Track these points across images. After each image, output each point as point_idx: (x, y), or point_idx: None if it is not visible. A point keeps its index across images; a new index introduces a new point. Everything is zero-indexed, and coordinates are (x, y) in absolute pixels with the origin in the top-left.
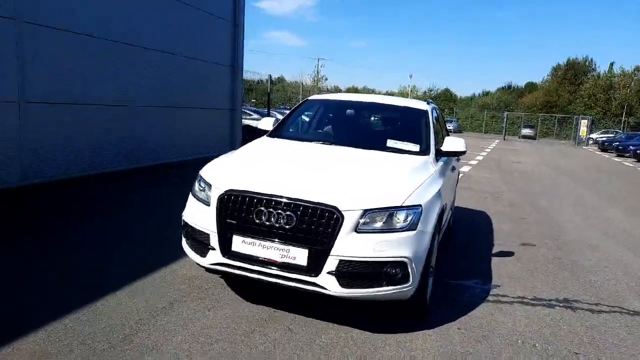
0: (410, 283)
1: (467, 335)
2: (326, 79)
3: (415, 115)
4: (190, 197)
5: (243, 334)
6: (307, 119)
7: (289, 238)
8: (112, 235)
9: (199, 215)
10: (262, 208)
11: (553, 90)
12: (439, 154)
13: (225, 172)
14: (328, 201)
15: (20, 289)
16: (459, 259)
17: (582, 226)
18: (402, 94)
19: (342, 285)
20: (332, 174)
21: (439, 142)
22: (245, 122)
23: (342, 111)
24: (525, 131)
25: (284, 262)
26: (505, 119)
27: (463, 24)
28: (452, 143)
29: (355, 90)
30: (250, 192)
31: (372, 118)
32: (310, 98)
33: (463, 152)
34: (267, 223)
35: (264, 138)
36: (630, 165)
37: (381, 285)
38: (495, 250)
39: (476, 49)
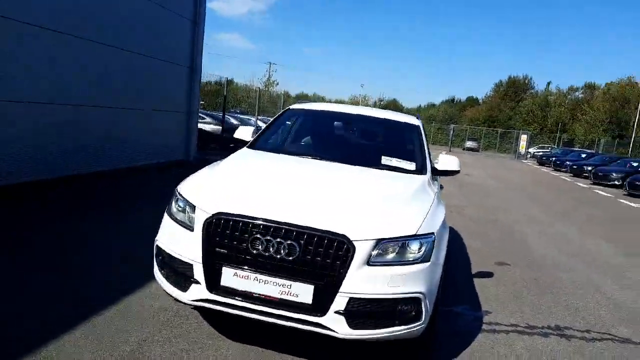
0: (422, 321)
1: None
2: (277, 84)
3: (407, 130)
4: (166, 218)
5: None
6: (287, 129)
7: (290, 272)
8: (54, 260)
9: (179, 241)
10: (259, 236)
11: (495, 106)
12: (434, 173)
13: (210, 192)
14: (337, 229)
15: None
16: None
17: (543, 243)
18: (354, 103)
19: (351, 326)
20: (333, 197)
21: (431, 160)
22: (199, 126)
23: (328, 122)
24: (469, 143)
25: (284, 300)
26: (451, 132)
27: (412, 36)
28: (447, 161)
29: (305, 96)
30: (245, 216)
31: (360, 132)
32: (292, 107)
33: (458, 171)
34: (266, 254)
35: (246, 150)
36: (568, 179)
37: (393, 325)
38: (474, 270)
39: (423, 62)
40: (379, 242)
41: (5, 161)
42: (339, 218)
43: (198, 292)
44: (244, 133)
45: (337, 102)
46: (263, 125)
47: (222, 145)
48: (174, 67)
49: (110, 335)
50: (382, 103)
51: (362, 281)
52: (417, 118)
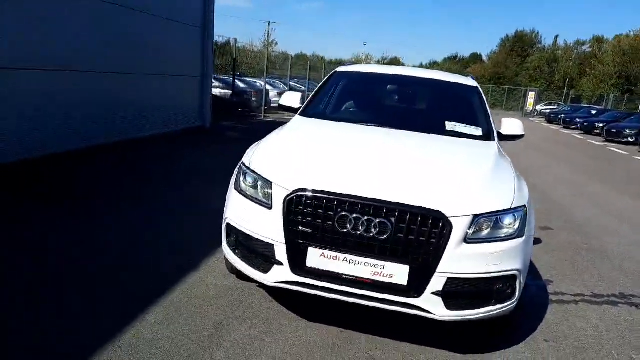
0: (516, 298)
1: (559, 349)
2: (277, 44)
3: (466, 92)
4: (234, 193)
5: None
6: (338, 95)
7: (383, 251)
8: (102, 242)
9: (256, 219)
10: (346, 213)
11: (501, 62)
12: (500, 139)
13: (285, 166)
14: (432, 205)
15: None
16: None
17: (579, 204)
18: (358, 61)
19: (448, 307)
20: (415, 169)
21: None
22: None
23: (380, 86)
24: None
25: (377, 281)
26: None
27: None
28: (511, 125)
29: (304, 56)
30: (330, 192)
31: (416, 95)
32: (338, 70)
33: (522, 136)
34: (355, 233)
35: (301, 119)
36: (580, 137)
37: (490, 304)
38: None
39: (424, 17)
40: (476, 218)
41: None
42: (430, 193)
43: (281, 273)
44: (292, 99)
45: (337, 61)
46: (270, 88)
47: (231, 111)
48: (187, 28)
49: (185, 319)
50: (384, 62)
51: (459, 260)
52: (472, 79)
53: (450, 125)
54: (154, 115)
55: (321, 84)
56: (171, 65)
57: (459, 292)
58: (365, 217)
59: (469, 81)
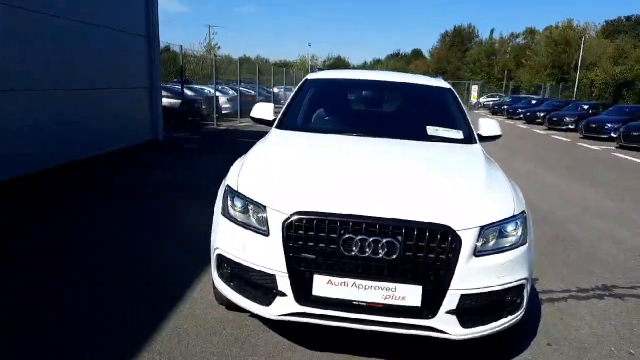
0: (524, 306)
1: (562, 352)
2: (219, 48)
3: (441, 94)
4: (223, 220)
5: None
6: (312, 103)
7: (393, 273)
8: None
9: (251, 248)
10: (351, 235)
11: (443, 57)
12: (480, 140)
13: (278, 187)
14: (438, 220)
15: None
16: None
17: (539, 194)
18: (303, 63)
19: (464, 324)
20: (412, 182)
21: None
22: None
23: (356, 93)
24: None
25: (389, 305)
26: None
27: None
28: (489, 126)
29: (247, 59)
30: (332, 214)
31: (392, 100)
32: (309, 77)
33: (500, 136)
34: (362, 255)
35: (279, 132)
36: (524, 127)
37: (502, 317)
38: None
39: (365, 17)
40: (483, 230)
41: None
42: (434, 207)
43: (285, 305)
44: (264, 111)
45: (282, 63)
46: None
47: (181, 121)
48: (130, 36)
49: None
50: (330, 62)
51: (471, 275)
52: (443, 79)
53: (431, 130)
54: (100, 133)
55: (294, 93)
56: (116, 77)
57: (473, 308)
58: (372, 238)
59: (441, 83)
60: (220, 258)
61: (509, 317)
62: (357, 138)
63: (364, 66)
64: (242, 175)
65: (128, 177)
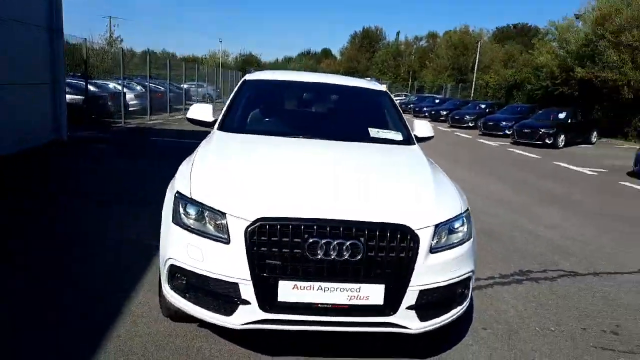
0: (469, 297)
1: (497, 334)
2: (122, 41)
3: (378, 96)
4: (175, 229)
5: None
6: (252, 105)
7: (357, 273)
8: None
9: (210, 257)
10: (316, 239)
11: (353, 57)
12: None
13: (236, 193)
14: (398, 220)
15: None
16: None
17: None
18: (214, 58)
19: (422, 318)
20: (363, 183)
21: None
22: None
23: (296, 95)
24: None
25: (354, 305)
26: None
27: None
28: (423, 127)
29: (153, 53)
30: (296, 219)
31: (332, 102)
32: (248, 79)
33: (432, 137)
34: (328, 258)
35: (224, 135)
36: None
37: (452, 308)
38: None
39: (278, 15)
40: (437, 228)
41: None
42: (392, 208)
43: (248, 313)
44: (203, 113)
45: (191, 58)
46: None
47: (84, 118)
48: (29, 27)
49: None
50: (242, 58)
51: (428, 271)
52: (377, 82)
53: (373, 132)
54: None
55: (233, 94)
56: (12, 71)
57: (429, 302)
58: (337, 241)
59: (377, 85)
60: (174, 269)
61: (458, 308)
62: (303, 140)
63: (276, 63)
64: (194, 181)
65: (33, 187)
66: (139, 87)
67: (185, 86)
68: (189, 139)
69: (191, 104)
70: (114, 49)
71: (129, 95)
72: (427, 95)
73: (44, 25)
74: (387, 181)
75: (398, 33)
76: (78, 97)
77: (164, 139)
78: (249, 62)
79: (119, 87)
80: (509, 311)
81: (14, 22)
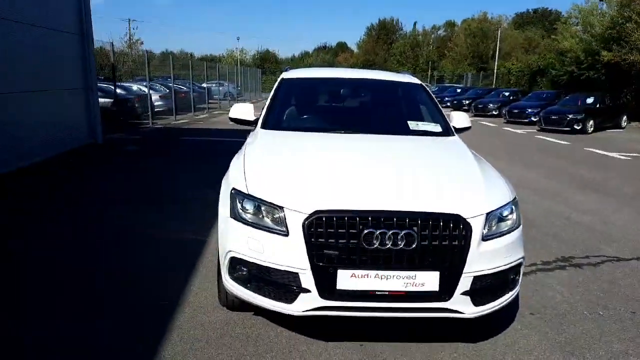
0: (519, 283)
1: (545, 319)
2: (142, 43)
3: (414, 89)
4: (234, 223)
5: None
6: (292, 102)
7: (412, 262)
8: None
9: (270, 249)
10: (372, 230)
11: (371, 50)
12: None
13: (291, 187)
14: (450, 209)
15: None
16: None
17: None
18: (232, 57)
19: (476, 304)
20: (413, 175)
21: None
22: None
23: (334, 91)
24: None
25: (410, 292)
26: None
27: None
28: (460, 118)
29: (170, 54)
30: (352, 211)
31: (370, 97)
32: (285, 77)
33: (470, 127)
34: (383, 248)
35: (269, 132)
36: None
37: (505, 293)
38: None
39: (292, 10)
40: (488, 216)
41: None
42: (444, 197)
43: (309, 301)
44: (244, 112)
45: (210, 57)
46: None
47: (114, 121)
48: (62, 35)
49: None
50: (260, 55)
51: (481, 258)
52: (412, 75)
53: (412, 125)
54: (33, 139)
55: (272, 93)
56: (48, 78)
57: (483, 287)
58: (391, 231)
59: (412, 79)
60: (235, 261)
61: (510, 293)
62: (346, 135)
63: (292, 59)
64: (249, 177)
65: (78, 187)
66: (162, 88)
67: (206, 85)
68: (218, 137)
69: (214, 103)
70: (133, 51)
71: (154, 97)
72: (447, 85)
73: (76, 31)
74: (435, 171)
75: (415, 23)
76: (107, 100)
77: (194, 138)
78: (267, 59)
79: (143, 89)
80: (555, 297)
81: (48, 29)
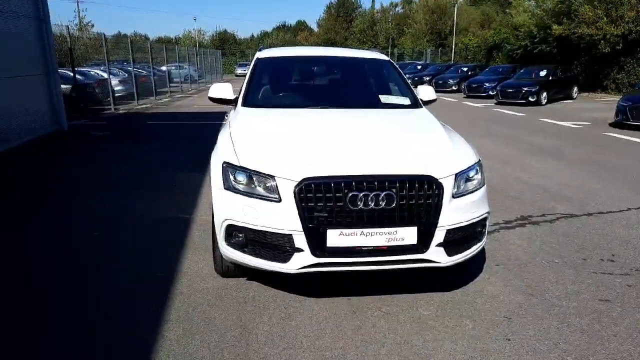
0: (485, 235)
1: (509, 268)
2: (93, 25)
3: (384, 66)
4: (228, 194)
5: (348, 337)
6: (268, 80)
7: (393, 219)
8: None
9: (264, 214)
10: (356, 192)
11: (331, 28)
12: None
13: (280, 158)
14: (424, 172)
15: None
16: None
17: None
18: (190, 39)
19: (449, 254)
20: (390, 142)
21: None
22: None
23: (308, 68)
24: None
25: (392, 246)
26: None
27: None
28: (426, 92)
29: (124, 37)
30: (337, 176)
31: (342, 74)
32: (260, 56)
33: (436, 100)
34: (366, 208)
35: (250, 110)
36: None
37: (474, 244)
38: None
39: None
40: (457, 176)
41: None
42: (418, 161)
43: (302, 259)
44: (224, 91)
45: (167, 39)
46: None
47: (74, 107)
48: (19, 19)
49: (205, 328)
50: (219, 35)
51: (452, 214)
52: (380, 52)
53: (384, 98)
54: None
55: (249, 72)
56: (6, 64)
57: (455, 239)
58: (373, 193)
59: (380, 55)
60: (231, 228)
61: (478, 244)
62: (324, 110)
63: (252, 39)
64: (239, 151)
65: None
66: (121, 73)
67: (166, 68)
68: (186, 120)
69: (175, 87)
70: (84, 35)
71: (114, 82)
72: (408, 62)
73: (33, 15)
74: (408, 139)
75: (373, 0)
76: (66, 86)
77: (159, 122)
78: (226, 40)
79: (102, 74)
80: (516, 250)
81: (3, 13)
